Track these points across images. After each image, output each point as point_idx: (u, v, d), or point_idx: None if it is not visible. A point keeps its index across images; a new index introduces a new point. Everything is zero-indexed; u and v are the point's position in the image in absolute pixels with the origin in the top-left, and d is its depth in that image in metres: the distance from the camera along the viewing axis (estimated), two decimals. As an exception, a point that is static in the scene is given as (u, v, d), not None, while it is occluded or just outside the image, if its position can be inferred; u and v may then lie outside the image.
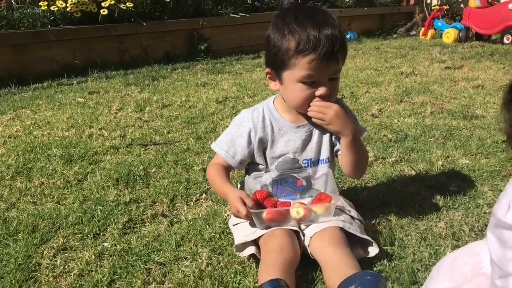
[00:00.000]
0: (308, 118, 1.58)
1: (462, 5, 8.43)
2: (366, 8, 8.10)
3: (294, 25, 1.43)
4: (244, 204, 1.43)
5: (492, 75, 4.33)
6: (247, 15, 6.20)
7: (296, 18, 1.44)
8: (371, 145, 2.53)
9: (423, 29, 7.50)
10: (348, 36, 7.36)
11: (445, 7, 8.11)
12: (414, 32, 8.21)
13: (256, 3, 6.60)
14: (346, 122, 1.50)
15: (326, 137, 1.60)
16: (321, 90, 1.46)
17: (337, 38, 1.40)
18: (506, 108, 0.96)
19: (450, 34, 6.82)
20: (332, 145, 1.61)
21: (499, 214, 0.99)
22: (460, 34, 6.76)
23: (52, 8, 4.86)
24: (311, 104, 1.49)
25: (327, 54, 1.39)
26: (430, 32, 7.32)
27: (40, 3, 4.87)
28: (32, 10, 4.92)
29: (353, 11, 7.90)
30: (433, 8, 7.97)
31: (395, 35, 8.07)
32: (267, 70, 1.56)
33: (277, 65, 1.50)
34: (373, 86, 3.97)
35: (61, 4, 4.84)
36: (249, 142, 1.59)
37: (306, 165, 1.61)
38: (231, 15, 6.11)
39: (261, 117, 1.60)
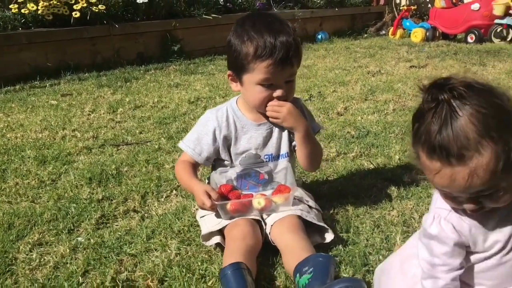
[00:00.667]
0: (267, 117, 1.71)
1: (429, 5, 8.69)
2: (337, 9, 8.29)
3: (252, 32, 1.56)
4: (209, 197, 1.54)
5: (454, 73, 4.52)
6: (220, 16, 6.30)
7: (254, 26, 1.57)
8: (334, 142, 2.67)
9: (392, 28, 7.73)
10: (319, 37, 7.53)
11: (413, 7, 8.36)
12: (384, 32, 8.43)
13: (228, 4, 6.70)
14: (299, 119, 1.64)
15: (285, 134, 1.73)
16: (278, 92, 1.59)
17: (291, 44, 1.54)
18: (412, 140, 1.03)
19: (417, 34, 7.05)
20: (290, 141, 1.74)
21: (425, 225, 1.14)
22: (427, 34, 7.00)
23: (23, 11, 4.87)
24: (268, 104, 1.61)
25: (283, 59, 1.53)
26: (399, 31, 7.55)
27: (11, 6, 4.87)
28: (2, 13, 4.91)
29: (324, 12, 8.07)
30: (401, 8, 8.21)
31: (365, 35, 8.27)
32: (229, 72, 1.69)
33: (237, 69, 1.63)
34: (340, 86, 4.12)
35: (32, 7, 4.86)
36: (214, 139, 1.71)
37: (267, 159, 1.74)
38: (204, 16, 6.19)
39: (225, 116, 1.72)
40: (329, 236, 1.62)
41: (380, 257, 1.56)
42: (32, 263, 1.56)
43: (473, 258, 1.13)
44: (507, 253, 1.10)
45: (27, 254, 1.62)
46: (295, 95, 1.73)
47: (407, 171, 2.23)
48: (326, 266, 1.33)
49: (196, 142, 1.72)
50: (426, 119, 0.96)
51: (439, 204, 1.11)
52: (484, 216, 1.07)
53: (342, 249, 1.61)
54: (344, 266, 1.52)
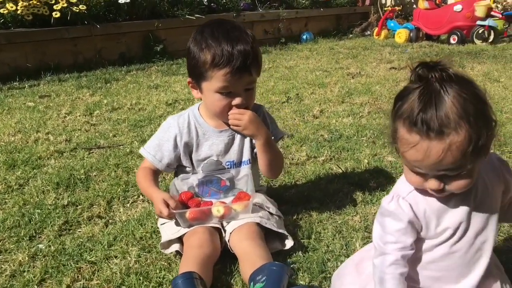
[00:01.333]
0: (229, 125, 1.72)
1: (414, 6, 8.74)
2: (322, 9, 8.30)
3: (210, 40, 1.56)
4: (167, 205, 1.54)
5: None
6: (203, 17, 6.26)
7: (212, 33, 1.57)
8: (306, 145, 2.68)
9: (377, 29, 7.76)
10: (304, 37, 7.54)
11: (397, 8, 8.40)
12: (369, 32, 8.46)
13: (212, 4, 6.69)
14: (259, 127, 1.64)
15: (247, 141, 1.74)
16: (237, 100, 1.60)
17: (249, 53, 1.54)
18: (392, 117, 1.11)
19: (401, 34, 7.09)
20: (252, 148, 1.75)
21: (384, 203, 1.21)
22: (411, 34, 7.04)
23: (2, 10, 4.82)
24: (229, 113, 1.61)
25: (240, 67, 1.53)
26: (384, 32, 7.58)
27: (-11, 6, 4.82)
28: (-19, 13, 4.86)
29: (310, 12, 8.07)
30: (386, 8, 8.25)
31: (350, 35, 8.30)
32: (189, 79, 1.69)
33: (196, 76, 1.63)
34: (319, 87, 4.13)
35: (12, 7, 4.81)
36: (175, 146, 1.71)
37: (229, 166, 1.74)
38: (187, 16, 6.17)
39: (186, 123, 1.72)
40: (289, 243, 1.62)
41: (339, 263, 1.57)
42: (-12, 272, 1.56)
43: (424, 245, 1.20)
44: (456, 242, 1.17)
45: (-16, 263, 1.61)
46: (257, 102, 1.74)
47: (375, 176, 2.25)
48: (279, 274, 1.34)
49: (157, 148, 1.72)
50: (412, 96, 1.04)
51: (399, 186, 1.20)
52: (441, 201, 1.14)
53: (302, 256, 1.62)
54: (302, 273, 1.53)
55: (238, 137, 1.73)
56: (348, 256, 1.61)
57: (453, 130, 0.99)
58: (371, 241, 1.63)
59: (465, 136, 0.99)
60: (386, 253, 1.18)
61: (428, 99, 1.01)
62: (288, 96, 3.80)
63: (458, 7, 6.64)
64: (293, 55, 6.09)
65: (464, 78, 1.05)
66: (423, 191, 1.14)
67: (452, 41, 6.66)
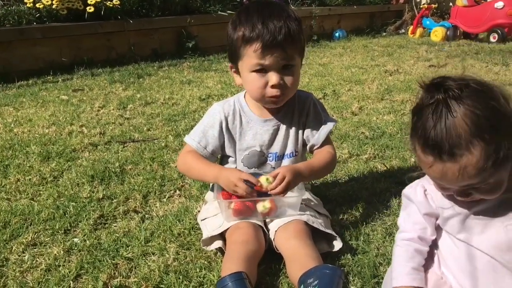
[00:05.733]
0: (275, 113, 1.62)
1: (450, 4, 8.47)
2: (355, 7, 8.13)
3: (243, 18, 1.49)
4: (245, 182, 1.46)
5: (474, 73, 4.31)
6: (235, 13, 6.20)
7: (247, 12, 1.51)
8: (347, 142, 2.55)
9: (411, 27, 7.55)
10: (337, 34, 7.39)
11: (433, 6, 8.16)
12: (403, 31, 8.25)
13: (244, 0, 6.61)
14: (298, 177, 1.52)
15: (292, 132, 1.64)
16: (273, 79, 1.48)
17: (281, 28, 1.44)
18: (410, 131, 1.08)
19: (438, 33, 6.87)
20: (297, 140, 1.64)
21: (406, 191, 1.24)
22: (448, 33, 6.81)
23: (37, 5, 4.86)
24: (271, 185, 1.48)
25: (270, 42, 1.43)
26: (419, 30, 7.37)
27: (26, 0, 4.86)
28: (17, 7, 4.91)
29: (343, 9, 7.92)
30: (421, 6, 8.01)
31: (384, 33, 8.11)
32: (230, 64, 1.61)
33: (233, 58, 1.56)
34: (356, 84, 3.99)
35: (47, 1, 4.83)
36: (220, 132, 1.63)
37: (271, 159, 1.64)
38: (219, 12, 6.11)
39: (232, 110, 1.64)
40: (337, 244, 1.51)
41: (392, 268, 1.45)
42: (23, 265, 1.49)
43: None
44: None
45: (19, 255, 1.55)
46: (307, 90, 1.64)
47: (424, 175, 2.11)
48: (332, 279, 1.23)
49: (202, 135, 1.63)
50: (424, 114, 1.01)
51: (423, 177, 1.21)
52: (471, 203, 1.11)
53: (351, 258, 1.50)
54: (352, 277, 1.42)
55: (283, 128, 1.63)
56: (401, 260, 1.48)
57: (465, 150, 0.96)
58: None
59: (480, 155, 0.96)
60: (403, 231, 1.22)
61: (438, 119, 0.98)
62: (325, 93, 3.67)
63: (499, 4, 6.37)
64: (326, 52, 5.96)
65: (477, 90, 0.99)
66: (450, 196, 1.11)
67: (492, 39, 6.41)
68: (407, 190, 1.24)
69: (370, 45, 6.56)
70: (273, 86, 1.50)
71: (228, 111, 1.64)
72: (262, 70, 1.49)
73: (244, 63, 1.52)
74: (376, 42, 6.84)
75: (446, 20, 7.46)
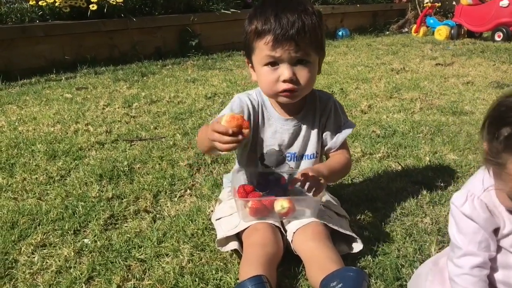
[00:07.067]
0: (296, 113, 1.57)
1: (454, 2, 8.43)
2: (358, 5, 8.08)
3: (258, 12, 1.44)
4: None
5: (483, 71, 4.33)
6: (239, 11, 6.15)
7: (263, 6, 1.45)
8: (359, 141, 2.51)
9: (415, 26, 7.51)
10: (340, 33, 7.35)
11: (437, 4, 8.10)
12: (406, 29, 8.21)
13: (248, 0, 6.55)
14: (328, 176, 1.46)
15: (314, 133, 1.58)
16: (284, 74, 1.42)
17: (294, 22, 1.37)
18: (502, 146, 0.97)
19: (442, 31, 6.83)
20: (319, 142, 1.59)
21: (456, 201, 1.10)
22: (452, 31, 6.77)
23: (40, 3, 4.80)
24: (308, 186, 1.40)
25: (282, 35, 1.37)
26: (422, 29, 7.33)
27: (28, -2, 4.81)
28: (20, 5, 4.85)
29: (346, 8, 7.88)
30: (425, 5, 7.96)
31: (387, 32, 8.06)
32: (246, 60, 1.56)
33: (248, 51, 1.51)
34: (363, 83, 3.95)
35: (50, -1, 4.78)
36: (248, 114, 1.54)
37: (289, 158, 1.59)
38: (223, 11, 6.05)
39: (255, 102, 1.58)
40: (357, 246, 1.46)
41: (414, 269, 1.41)
42: (33, 267, 1.45)
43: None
44: None
45: (28, 257, 1.50)
46: (325, 90, 1.58)
47: (439, 174, 2.07)
48: (357, 282, 1.18)
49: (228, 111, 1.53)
50: None
51: (473, 183, 1.10)
52: None
53: (372, 260, 1.46)
54: (374, 279, 1.37)
55: (304, 128, 1.57)
56: (423, 262, 1.44)
57: None
58: (446, 246, 1.48)
59: None
60: (469, 254, 1.08)
61: None
62: (332, 91, 3.63)
63: (504, 3, 6.32)
64: (330, 50, 5.91)
65: None
66: None
67: (497, 38, 6.37)
68: (465, 208, 1.08)
69: (374, 43, 6.52)
70: (284, 81, 1.43)
71: (252, 102, 1.57)
72: (274, 63, 1.43)
73: (256, 57, 1.46)
74: (379, 41, 6.79)
75: (449, 19, 7.41)
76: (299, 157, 1.59)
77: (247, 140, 1.51)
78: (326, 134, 1.60)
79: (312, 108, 1.59)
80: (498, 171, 0.98)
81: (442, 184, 1.96)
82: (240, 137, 1.24)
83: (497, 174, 0.99)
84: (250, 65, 1.55)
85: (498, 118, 0.96)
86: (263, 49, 1.42)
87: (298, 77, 1.44)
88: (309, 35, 1.40)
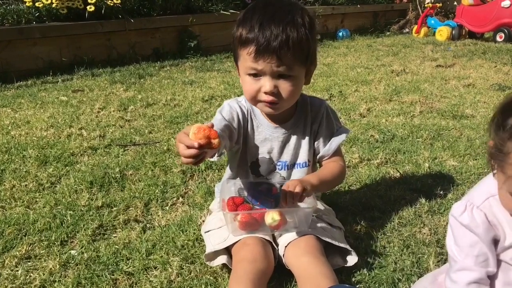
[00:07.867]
0: (286, 120, 1.52)
1: (455, 3, 8.36)
2: (358, 6, 8.03)
3: (246, 17, 1.38)
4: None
5: (484, 73, 4.27)
6: (238, 12, 6.09)
7: (253, 12, 1.39)
8: (357, 146, 2.46)
9: (416, 26, 7.44)
10: (340, 34, 7.29)
11: (438, 5, 8.04)
12: (407, 30, 8.14)
13: (247, 0, 6.51)
14: (310, 186, 1.40)
15: (305, 141, 1.53)
16: (265, 86, 1.37)
17: (277, 35, 1.31)
18: (499, 131, 0.96)
19: (443, 32, 6.77)
20: (310, 150, 1.54)
21: (455, 211, 1.08)
22: (453, 32, 6.70)
23: (37, 4, 4.76)
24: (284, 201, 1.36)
25: (264, 47, 1.31)
26: (423, 30, 7.27)
27: (25, -1, 4.76)
28: (16, 6, 4.81)
29: (346, 9, 7.82)
30: (426, 5, 7.90)
31: (388, 33, 8.00)
32: (235, 63, 1.50)
33: (234, 56, 1.47)
34: (362, 85, 3.89)
35: (47, 0, 4.73)
36: (239, 121, 1.50)
37: (280, 167, 1.54)
38: (222, 12, 6.00)
39: (245, 108, 1.53)
40: (352, 259, 1.41)
41: (411, 284, 1.35)
42: (16, 281, 1.39)
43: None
44: None
45: (12, 270, 1.45)
46: (312, 91, 1.53)
47: (438, 182, 2.02)
48: (350, 299, 1.13)
49: (218, 117, 1.48)
50: None
51: (474, 194, 1.08)
52: None
53: (367, 274, 1.41)
54: (369, 295, 1.32)
55: (294, 137, 1.52)
56: (421, 275, 1.39)
57: None
58: (445, 258, 1.43)
59: None
60: (466, 268, 1.05)
61: None
62: (331, 94, 3.57)
63: (506, 3, 6.26)
64: (330, 52, 5.85)
65: None
66: None
67: (498, 39, 6.30)
68: (463, 217, 1.05)
69: (374, 44, 6.46)
70: (266, 93, 1.39)
71: (242, 108, 1.53)
72: (256, 74, 1.38)
73: (241, 64, 1.42)
74: (380, 42, 6.73)
75: (451, 19, 7.35)
76: (291, 165, 1.54)
77: (221, 149, 1.40)
78: (319, 142, 1.55)
79: (303, 115, 1.54)
80: (502, 164, 0.95)
81: (441, 192, 1.91)
82: (205, 150, 1.16)
83: (501, 168, 0.96)
84: (237, 69, 1.50)
85: (505, 109, 0.96)
86: (246, 59, 1.37)
87: (280, 90, 1.39)
88: (292, 50, 1.34)
